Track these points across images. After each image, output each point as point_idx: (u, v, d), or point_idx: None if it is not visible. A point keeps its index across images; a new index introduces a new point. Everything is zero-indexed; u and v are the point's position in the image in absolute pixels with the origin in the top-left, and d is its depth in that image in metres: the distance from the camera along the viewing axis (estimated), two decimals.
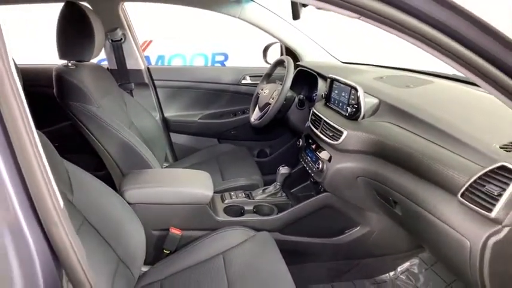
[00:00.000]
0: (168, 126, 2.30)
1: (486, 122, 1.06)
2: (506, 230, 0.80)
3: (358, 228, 1.54)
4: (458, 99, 1.26)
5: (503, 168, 0.81)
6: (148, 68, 2.19)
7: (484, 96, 1.22)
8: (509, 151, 0.88)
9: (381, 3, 0.60)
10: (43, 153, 0.50)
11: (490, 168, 0.83)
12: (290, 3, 1.21)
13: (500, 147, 0.90)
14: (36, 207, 0.49)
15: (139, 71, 2.14)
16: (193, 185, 1.45)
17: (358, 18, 0.63)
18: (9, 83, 0.47)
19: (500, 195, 0.80)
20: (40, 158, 0.49)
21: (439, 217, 0.96)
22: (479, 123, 1.06)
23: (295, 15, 1.20)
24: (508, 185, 0.79)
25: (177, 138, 2.35)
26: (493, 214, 0.80)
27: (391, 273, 1.65)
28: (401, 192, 1.11)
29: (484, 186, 0.84)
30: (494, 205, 0.80)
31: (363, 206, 1.46)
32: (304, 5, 1.18)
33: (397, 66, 1.80)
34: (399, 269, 1.65)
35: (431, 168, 1.00)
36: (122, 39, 2.01)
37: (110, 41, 1.99)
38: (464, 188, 0.88)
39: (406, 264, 1.65)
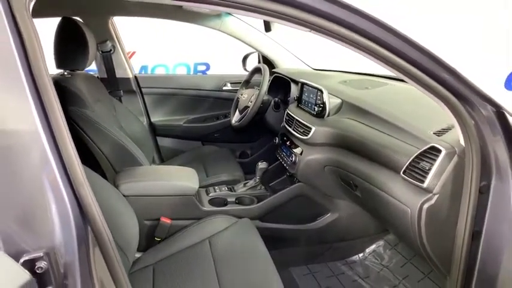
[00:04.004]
0: (154, 130, 2.46)
1: (425, 114, 1.27)
2: (436, 197, 1.01)
3: (329, 214, 1.74)
4: (406, 97, 1.48)
5: (433, 148, 1.02)
6: (135, 77, 2.35)
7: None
8: (439, 135, 1.09)
9: (326, 21, 0.79)
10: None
11: (424, 148, 1.05)
12: None
13: (434, 133, 1.11)
14: (68, 172, 0.65)
15: (128, 79, 2.30)
16: (180, 178, 1.61)
17: (308, 31, 0.82)
18: (50, 88, 0.64)
19: (430, 169, 1.01)
20: (69, 136, 0.66)
21: (388, 192, 1.17)
22: (420, 115, 1.27)
23: (267, 28, 1.39)
24: (435, 160, 1.00)
25: (163, 142, 2.50)
26: (425, 184, 1.01)
27: (360, 255, 1.85)
28: (359, 175, 1.32)
29: (419, 163, 1.05)
30: (426, 177, 1.01)
31: (331, 193, 1.66)
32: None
33: (360, 72, 2.03)
34: (367, 250, 1.85)
35: (381, 153, 1.21)
36: (111, 50, 2.16)
37: (100, 52, 2.14)
38: (405, 166, 1.09)
39: (373, 246, 1.85)
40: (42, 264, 0.61)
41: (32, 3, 0.64)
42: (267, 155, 2.44)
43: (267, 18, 0.74)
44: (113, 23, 2.18)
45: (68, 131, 0.65)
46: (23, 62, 0.62)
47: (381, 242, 1.85)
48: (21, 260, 0.60)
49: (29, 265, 0.61)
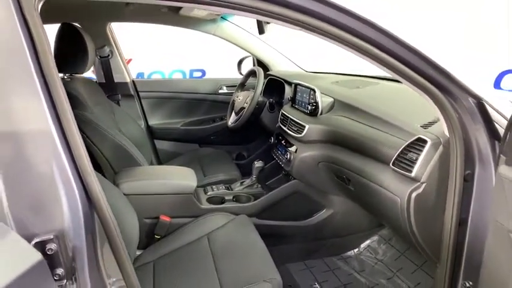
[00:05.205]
0: (152, 133, 2.49)
1: (414, 109, 1.33)
2: (423, 186, 1.07)
3: (324, 211, 1.79)
4: (395, 95, 1.54)
5: (419, 139, 1.08)
6: (133, 81, 2.40)
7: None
8: (426, 128, 1.15)
9: (318, 21, 0.85)
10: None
11: (411, 140, 1.10)
12: (256, 20, 1.47)
13: (421, 126, 1.17)
14: (76, 162, 0.69)
15: (126, 83, 2.34)
16: (179, 177, 1.66)
17: (300, 29, 0.87)
18: (61, 88, 0.69)
19: (417, 159, 1.06)
20: (77, 130, 0.71)
21: (378, 183, 1.22)
22: (409, 110, 1.33)
23: (261, 31, 1.45)
24: (422, 151, 1.05)
25: (161, 144, 2.54)
26: (413, 174, 1.06)
27: (355, 250, 1.89)
28: (352, 169, 1.37)
29: (407, 154, 1.10)
30: (413, 167, 1.06)
31: (325, 189, 1.71)
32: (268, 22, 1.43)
33: (352, 73, 2.10)
34: (362, 245, 1.90)
35: (372, 147, 1.27)
36: (109, 55, 2.21)
37: (99, 57, 2.19)
38: (394, 158, 1.14)
39: (368, 241, 1.90)
40: (52, 246, 0.66)
41: (41, 4, 0.69)
42: (263, 156, 2.48)
43: (258, 17, 0.79)
44: (111, 29, 2.24)
45: (76, 126, 0.70)
46: (35, 63, 0.66)
47: (375, 237, 1.89)
48: (33, 242, 0.65)
49: (40, 247, 0.65)
